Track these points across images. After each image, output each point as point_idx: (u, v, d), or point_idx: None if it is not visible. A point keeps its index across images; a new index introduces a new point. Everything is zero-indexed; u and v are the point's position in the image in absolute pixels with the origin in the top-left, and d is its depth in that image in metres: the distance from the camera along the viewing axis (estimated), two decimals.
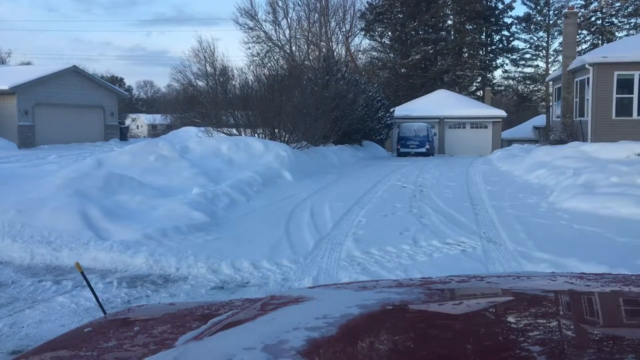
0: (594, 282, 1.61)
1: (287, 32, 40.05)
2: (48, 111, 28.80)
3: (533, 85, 47.22)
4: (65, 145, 28.24)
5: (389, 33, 43.42)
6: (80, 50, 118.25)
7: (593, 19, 42.43)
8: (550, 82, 29.76)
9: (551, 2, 44.00)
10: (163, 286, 5.98)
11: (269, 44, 40.11)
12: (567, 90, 22.48)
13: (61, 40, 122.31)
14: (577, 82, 21.61)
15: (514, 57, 46.53)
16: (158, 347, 1.53)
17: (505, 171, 16.65)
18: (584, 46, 41.69)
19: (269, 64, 31.74)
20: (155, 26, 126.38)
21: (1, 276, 6.38)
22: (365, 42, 45.13)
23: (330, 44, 39.71)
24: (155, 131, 66.66)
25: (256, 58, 39.11)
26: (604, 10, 41.74)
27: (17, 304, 5.46)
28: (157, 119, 71.84)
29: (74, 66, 32.08)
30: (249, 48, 40.50)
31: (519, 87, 47.92)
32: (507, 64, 47.44)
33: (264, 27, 40.02)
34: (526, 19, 44.96)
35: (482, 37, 44.98)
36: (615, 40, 36.69)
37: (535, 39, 45.84)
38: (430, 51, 41.46)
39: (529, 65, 46.91)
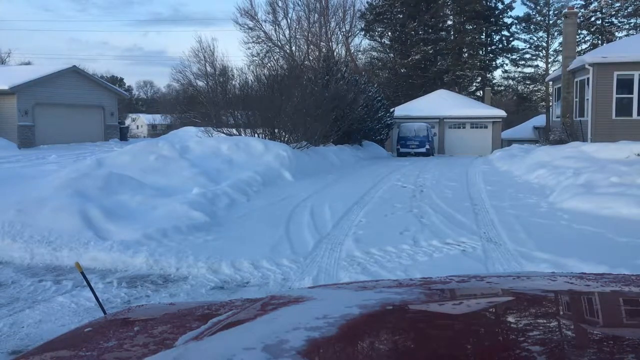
0: (594, 282, 1.61)
1: (287, 32, 40.13)
2: (48, 111, 28.79)
3: (533, 85, 47.27)
4: (65, 145, 28.22)
5: (389, 33, 43.44)
6: (78, 50, 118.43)
7: (593, 19, 42.44)
8: (550, 82, 29.76)
9: (551, 2, 44.07)
10: (163, 286, 5.98)
11: (269, 44, 40.18)
12: (567, 90, 22.48)
13: (59, 40, 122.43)
14: (577, 82, 21.60)
15: (513, 57, 46.59)
16: (158, 347, 1.53)
17: (505, 171, 16.65)
18: (584, 46, 41.72)
19: (269, 64, 31.77)
20: (152, 26, 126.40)
21: (1, 276, 6.38)
22: (365, 42, 45.23)
23: (330, 44, 39.74)
24: (155, 131, 66.66)
25: (256, 58, 39.21)
26: (603, 11, 41.75)
27: (17, 304, 5.46)
28: (157, 119, 71.86)
29: (74, 66, 32.07)
30: (249, 48, 40.61)
31: (519, 87, 47.96)
32: (507, 64, 47.54)
33: (263, 27, 40.12)
34: (526, 19, 44.99)
35: (482, 37, 45.00)
36: (615, 40, 36.69)
37: (535, 39, 45.91)
38: (430, 51, 41.47)
39: (529, 65, 46.99)
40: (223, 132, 18.43)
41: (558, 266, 5.92)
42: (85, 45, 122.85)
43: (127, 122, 52.67)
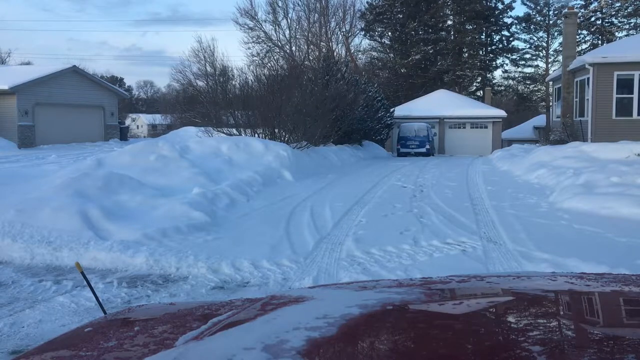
0: (594, 282, 1.61)
1: (287, 32, 40.16)
2: (48, 111, 28.79)
3: (533, 85, 47.26)
4: (65, 145, 28.23)
5: (389, 33, 43.44)
6: (77, 50, 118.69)
7: (593, 19, 42.44)
8: (550, 82, 29.76)
9: (551, 2, 44.06)
10: (163, 286, 5.98)
11: (269, 44, 40.19)
12: (567, 90, 22.47)
13: (59, 40, 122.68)
14: (577, 82, 21.60)
15: (514, 57, 46.58)
16: (158, 347, 1.53)
17: (505, 171, 16.65)
18: (584, 46, 41.72)
19: (269, 64, 31.76)
20: (151, 26, 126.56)
21: (1, 276, 6.38)
22: (365, 42, 45.29)
23: (330, 44, 39.77)
24: (155, 131, 66.67)
25: (256, 58, 39.22)
26: (604, 11, 41.75)
27: (17, 303, 5.46)
28: (157, 119, 71.87)
29: (74, 66, 32.07)
30: (249, 48, 40.64)
31: (519, 87, 47.94)
32: (507, 64, 47.52)
33: (264, 27, 40.15)
34: (526, 19, 44.99)
35: (482, 37, 45.01)
36: (615, 40, 36.69)
37: (535, 39, 45.91)
38: (430, 51, 41.47)
39: (529, 65, 47.00)
40: (223, 132, 18.43)
41: (558, 266, 5.92)
42: (85, 45, 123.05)
43: (127, 122, 52.66)
